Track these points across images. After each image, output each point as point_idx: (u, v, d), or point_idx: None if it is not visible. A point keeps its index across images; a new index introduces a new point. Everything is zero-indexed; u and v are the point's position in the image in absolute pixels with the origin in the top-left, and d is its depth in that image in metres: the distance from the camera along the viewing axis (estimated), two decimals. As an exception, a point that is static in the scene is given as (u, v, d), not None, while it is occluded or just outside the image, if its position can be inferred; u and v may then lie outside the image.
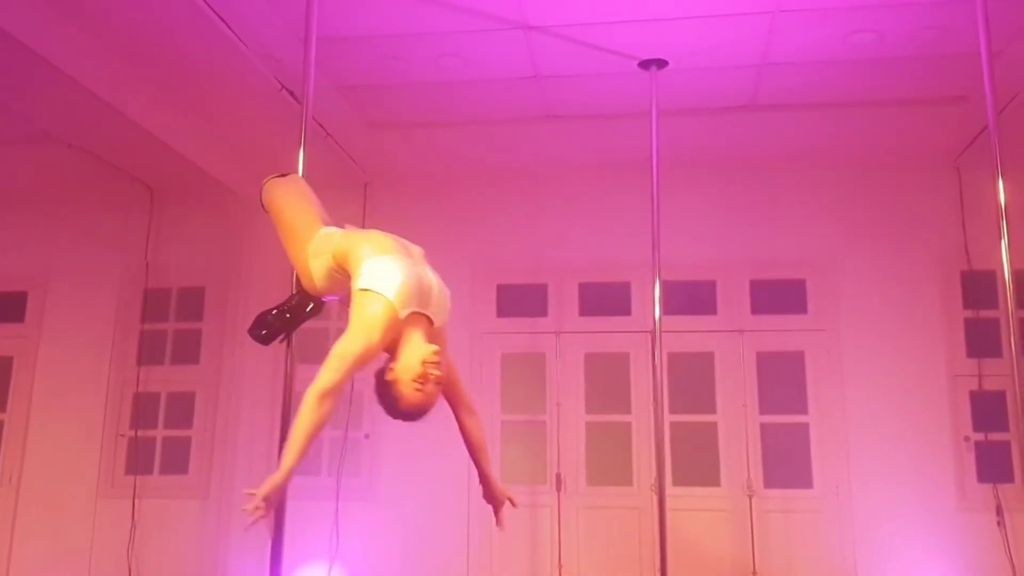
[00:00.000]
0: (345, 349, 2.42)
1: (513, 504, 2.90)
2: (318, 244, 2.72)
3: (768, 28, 4.57)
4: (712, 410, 6.16)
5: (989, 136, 3.83)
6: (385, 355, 2.53)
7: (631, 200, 5.83)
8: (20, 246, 6.98)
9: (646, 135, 4.94)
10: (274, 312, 3.08)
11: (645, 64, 4.91)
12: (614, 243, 6.30)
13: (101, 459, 6.57)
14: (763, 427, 6.08)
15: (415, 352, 2.45)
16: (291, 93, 4.98)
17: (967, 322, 6.03)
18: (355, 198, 6.44)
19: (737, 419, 6.09)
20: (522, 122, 5.81)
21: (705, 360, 6.23)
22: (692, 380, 6.18)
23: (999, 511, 5.70)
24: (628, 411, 6.22)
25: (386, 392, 2.47)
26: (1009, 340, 3.68)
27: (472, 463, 2.92)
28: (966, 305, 6.05)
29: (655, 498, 5.30)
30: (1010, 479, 5.72)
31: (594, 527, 6.08)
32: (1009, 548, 5.64)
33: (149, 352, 6.72)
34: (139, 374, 6.66)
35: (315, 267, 2.72)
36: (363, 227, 2.99)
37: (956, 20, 4.41)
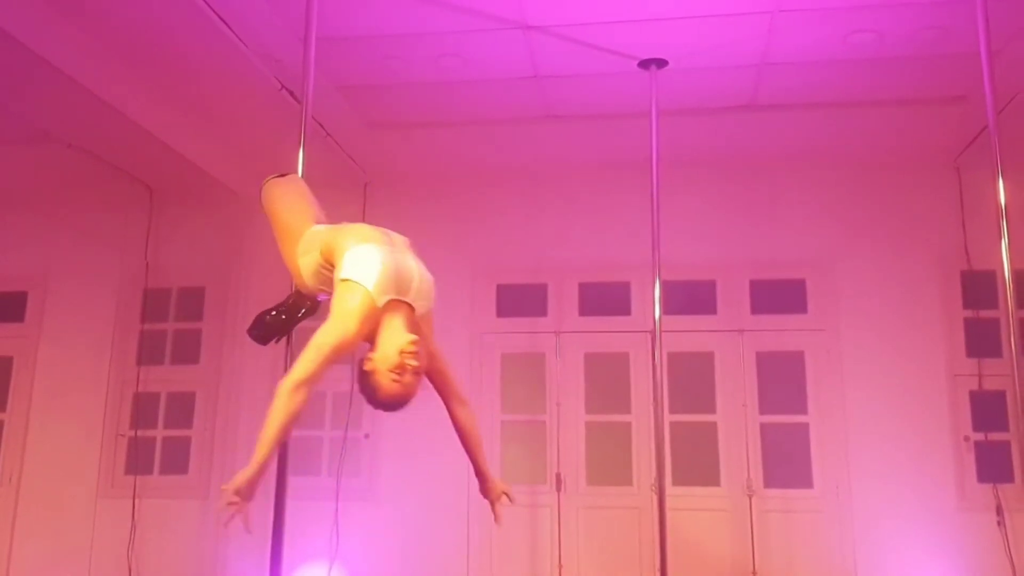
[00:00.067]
0: (321, 340, 2.39)
1: (510, 499, 2.87)
2: (307, 242, 2.71)
3: (768, 28, 4.57)
4: (712, 410, 6.16)
5: (989, 136, 3.83)
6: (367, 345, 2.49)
7: (631, 200, 5.83)
8: (20, 246, 6.98)
9: (646, 135, 4.94)
10: (272, 313, 3.08)
11: (645, 64, 4.91)
12: (614, 243, 6.30)
13: (101, 459, 6.57)
14: (763, 427, 6.08)
15: (393, 342, 2.39)
16: (291, 93, 4.98)
17: (967, 322, 6.04)
18: (355, 198, 6.44)
19: (737, 419, 6.09)
20: (522, 122, 5.81)
21: (705, 360, 6.23)
22: (692, 380, 6.18)
23: (999, 511, 5.70)
24: (628, 411, 6.22)
25: (365, 382, 2.43)
26: (1009, 340, 3.68)
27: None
28: (966, 305, 6.05)
29: (655, 498, 5.31)
30: (1010, 479, 5.72)
31: (594, 527, 6.08)
32: (1009, 548, 5.64)
33: (149, 352, 6.72)
34: (139, 374, 6.66)
35: (304, 265, 2.70)
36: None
37: (956, 20, 4.41)
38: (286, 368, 3.39)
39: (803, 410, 6.08)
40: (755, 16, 4.46)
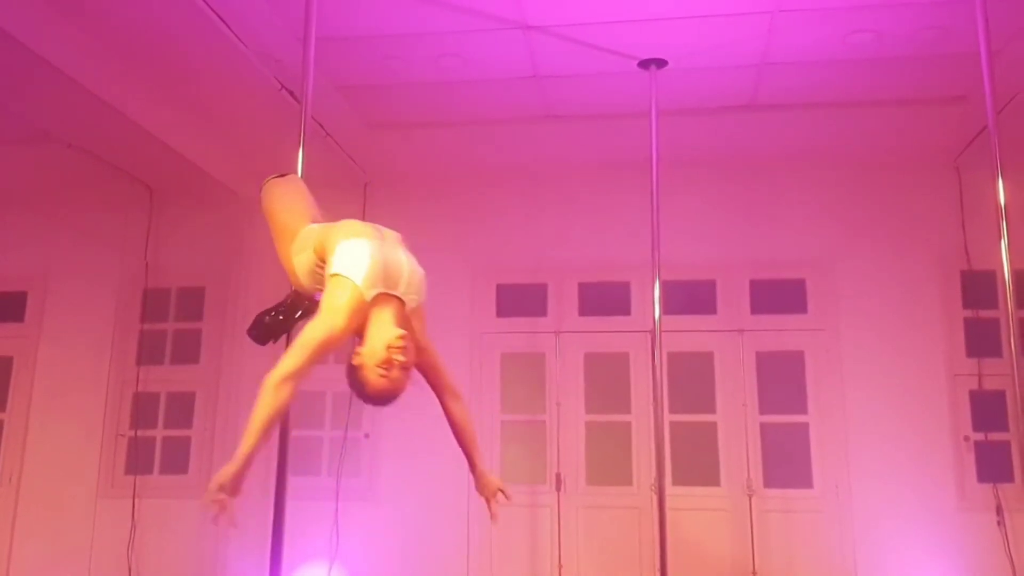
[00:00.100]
0: (308, 335, 2.39)
1: (506, 496, 2.81)
2: (301, 241, 2.70)
3: (768, 28, 4.57)
4: (712, 410, 6.16)
5: (989, 136, 3.83)
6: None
7: (631, 200, 5.83)
8: (20, 246, 6.98)
9: (646, 135, 4.94)
10: (271, 313, 3.08)
11: (645, 64, 4.91)
12: (614, 243, 6.30)
13: (101, 459, 6.57)
14: (763, 427, 6.08)
15: (380, 337, 2.37)
16: (291, 93, 4.98)
17: (967, 322, 6.04)
18: (355, 198, 6.43)
19: (737, 419, 6.10)
20: (522, 122, 5.81)
21: (705, 360, 6.23)
22: (692, 380, 6.18)
23: (999, 511, 5.70)
24: (628, 411, 6.22)
25: (353, 377, 2.41)
26: (1009, 340, 3.68)
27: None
28: (966, 305, 6.05)
29: (655, 498, 5.31)
30: (1010, 479, 5.72)
31: (594, 527, 6.08)
32: (1009, 548, 5.64)
33: (149, 352, 6.72)
34: (139, 374, 6.66)
35: (299, 264, 2.69)
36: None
37: (955, 20, 4.41)
38: (286, 368, 3.39)
39: (803, 410, 6.08)
40: (755, 16, 4.47)
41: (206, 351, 6.69)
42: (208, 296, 6.77)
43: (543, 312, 6.47)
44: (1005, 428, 5.67)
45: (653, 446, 5.39)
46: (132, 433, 6.58)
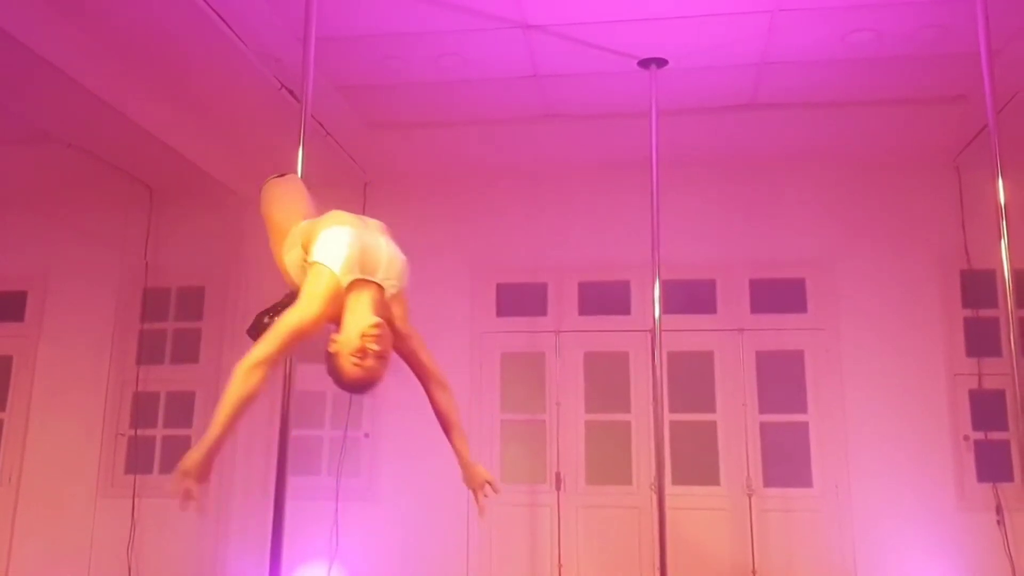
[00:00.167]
0: (283, 321, 2.37)
1: (494, 489, 2.72)
2: (292, 238, 2.68)
3: (767, 27, 4.57)
4: (712, 409, 6.16)
5: (989, 135, 3.83)
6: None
7: (631, 199, 5.83)
8: (20, 246, 6.98)
9: (646, 134, 4.94)
10: (270, 314, 3.08)
11: (645, 63, 4.91)
12: (614, 242, 6.30)
13: (101, 458, 6.57)
14: (763, 426, 6.08)
15: (356, 325, 2.35)
16: (291, 92, 4.98)
17: (967, 321, 6.04)
18: (355, 198, 6.43)
19: (737, 418, 6.10)
20: (522, 121, 5.81)
21: (705, 359, 6.23)
22: (692, 379, 6.18)
23: (999, 510, 5.70)
24: (628, 410, 6.22)
25: (330, 365, 2.39)
26: (1009, 339, 3.68)
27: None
28: (966, 304, 6.05)
29: (655, 497, 5.31)
30: (1010, 478, 5.73)
31: (594, 526, 6.08)
32: (1009, 547, 5.64)
33: (149, 351, 6.72)
34: (139, 373, 6.66)
35: (289, 262, 2.67)
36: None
37: (955, 19, 4.41)
38: (286, 366, 3.40)
39: (803, 409, 6.08)
40: (755, 15, 4.47)
41: (206, 351, 6.69)
42: (208, 296, 6.77)
43: (543, 312, 6.47)
44: (1005, 427, 5.67)
45: (653, 445, 5.39)
46: (132, 432, 6.59)
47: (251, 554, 5.92)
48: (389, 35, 4.70)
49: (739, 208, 6.32)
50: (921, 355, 5.99)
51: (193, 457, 2.31)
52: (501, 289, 6.54)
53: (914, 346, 6.01)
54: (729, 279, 6.30)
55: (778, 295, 6.24)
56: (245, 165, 6.12)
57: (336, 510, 6.23)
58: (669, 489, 5.19)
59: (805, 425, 6.06)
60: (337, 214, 2.66)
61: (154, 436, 6.60)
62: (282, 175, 3.08)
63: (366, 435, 6.39)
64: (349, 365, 2.33)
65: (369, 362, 2.32)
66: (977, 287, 5.96)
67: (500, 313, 6.50)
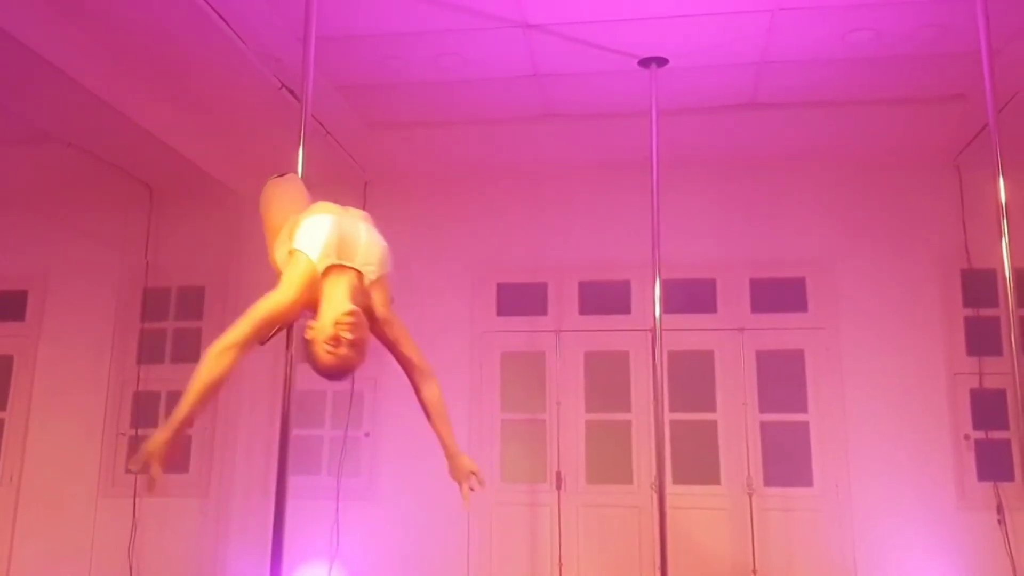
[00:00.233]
0: (257, 306, 2.37)
1: (479, 481, 2.68)
2: (283, 235, 2.68)
3: (767, 26, 4.57)
4: (712, 408, 6.16)
5: (989, 135, 3.83)
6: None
7: (631, 199, 5.84)
8: (20, 245, 6.98)
9: (646, 133, 4.94)
10: None
11: (645, 62, 4.91)
12: (614, 242, 6.30)
13: (101, 458, 6.58)
14: (763, 425, 6.08)
15: (330, 312, 2.34)
16: (291, 92, 4.98)
17: (967, 320, 6.03)
18: (355, 197, 6.42)
19: (737, 417, 6.10)
20: (522, 121, 5.81)
21: (705, 358, 6.23)
22: (692, 378, 6.18)
23: (999, 509, 5.70)
24: (628, 409, 6.22)
25: (307, 351, 2.38)
26: (1009, 338, 3.68)
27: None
28: (966, 303, 6.05)
29: (655, 496, 5.31)
30: (1010, 477, 5.72)
31: (594, 526, 6.08)
32: (1010, 547, 5.64)
33: (149, 351, 6.72)
34: (139, 373, 6.66)
35: (280, 258, 2.66)
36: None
37: (955, 18, 4.41)
38: (286, 367, 3.40)
39: (803, 408, 6.08)
40: (755, 14, 4.46)
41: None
42: (208, 295, 6.78)
43: (543, 311, 6.47)
44: (1005, 427, 5.67)
45: (653, 445, 5.39)
46: (132, 432, 6.58)
47: (252, 553, 5.92)
48: (389, 35, 4.71)
49: (739, 207, 6.32)
50: (922, 354, 5.99)
51: (157, 438, 2.31)
52: (501, 288, 6.54)
53: (914, 345, 6.00)
54: (729, 278, 6.30)
55: (778, 294, 6.24)
56: (245, 165, 6.12)
57: (337, 510, 6.23)
58: (669, 488, 5.20)
59: (805, 424, 6.06)
60: (320, 205, 2.66)
61: (154, 436, 6.59)
62: (282, 175, 3.08)
63: (366, 435, 6.39)
64: (323, 352, 2.32)
65: (342, 350, 2.31)
66: (978, 286, 5.96)
67: (500, 312, 6.50)
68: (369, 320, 2.46)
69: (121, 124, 5.19)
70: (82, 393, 6.67)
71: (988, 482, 5.77)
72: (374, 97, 5.48)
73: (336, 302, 2.36)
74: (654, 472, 5.63)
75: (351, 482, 6.31)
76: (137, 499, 6.37)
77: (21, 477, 6.62)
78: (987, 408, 5.84)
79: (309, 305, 2.42)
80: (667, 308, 5.03)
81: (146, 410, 6.61)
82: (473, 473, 2.66)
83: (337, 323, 2.31)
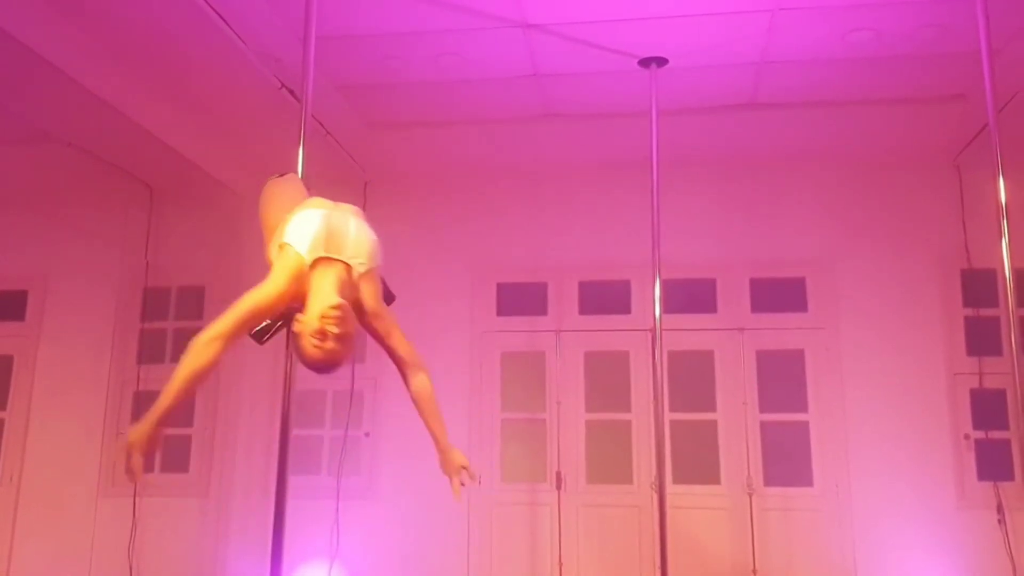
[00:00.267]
0: (244, 298, 2.37)
1: (470, 475, 2.61)
2: (277, 233, 2.69)
3: (767, 26, 4.57)
4: (712, 408, 6.16)
5: (989, 134, 3.83)
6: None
7: (631, 199, 5.84)
8: (20, 245, 6.98)
9: (646, 133, 4.94)
10: None
11: (645, 62, 4.91)
12: (614, 242, 6.30)
13: (101, 458, 6.57)
14: (763, 425, 6.08)
15: (317, 305, 2.32)
16: (291, 92, 4.98)
17: (967, 320, 6.03)
18: (355, 197, 6.38)
19: (737, 417, 6.10)
20: (522, 121, 5.81)
21: (705, 358, 6.23)
22: (692, 378, 6.18)
23: (999, 509, 5.70)
24: (628, 409, 6.22)
25: (294, 345, 2.37)
26: (1009, 338, 3.68)
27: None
28: (966, 303, 6.05)
29: (655, 496, 5.31)
30: (1010, 477, 5.72)
31: (594, 525, 6.08)
32: (1010, 546, 5.64)
33: (149, 351, 6.72)
34: (139, 373, 6.65)
35: (272, 255, 2.64)
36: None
37: (955, 18, 4.41)
38: (286, 366, 3.40)
39: (803, 408, 6.08)
40: (755, 14, 4.46)
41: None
42: (208, 295, 6.77)
43: (543, 311, 6.47)
44: (1005, 426, 5.67)
45: (653, 444, 5.39)
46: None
47: (252, 553, 5.92)
48: (389, 35, 4.70)
49: (739, 207, 6.32)
50: (922, 354, 5.99)
51: (140, 429, 2.30)
52: (501, 288, 6.54)
53: (914, 345, 6.01)
54: (729, 278, 6.30)
55: (778, 294, 6.24)
56: (245, 165, 6.12)
57: (337, 509, 6.23)
58: (669, 488, 5.20)
59: (805, 424, 6.06)
60: (312, 200, 2.66)
61: (155, 435, 6.59)
62: (283, 175, 3.08)
63: (366, 434, 6.40)
64: (310, 346, 2.31)
65: (329, 344, 2.29)
66: (978, 286, 5.96)
67: (500, 312, 6.50)
68: (358, 313, 2.45)
69: (121, 124, 5.19)
70: (82, 393, 6.67)
71: (988, 482, 5.78)
72: (374, 97, 5.48)
73: (323, 295, 2.34)
74: (654, 472, 5.64)
75: (351, 482, 6.31)
76: (137, 499, 6.37)
77: (21, 477, 6.62)
78: (987, 408, 5.84)
79: (297, 298, 2.40)
80: (667, 308, 5.03)
81: (146, 410, 6.58)
82: (463, 467, 2.61)
83: (323, 316, 2.29)
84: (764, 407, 6.11)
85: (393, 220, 6.04)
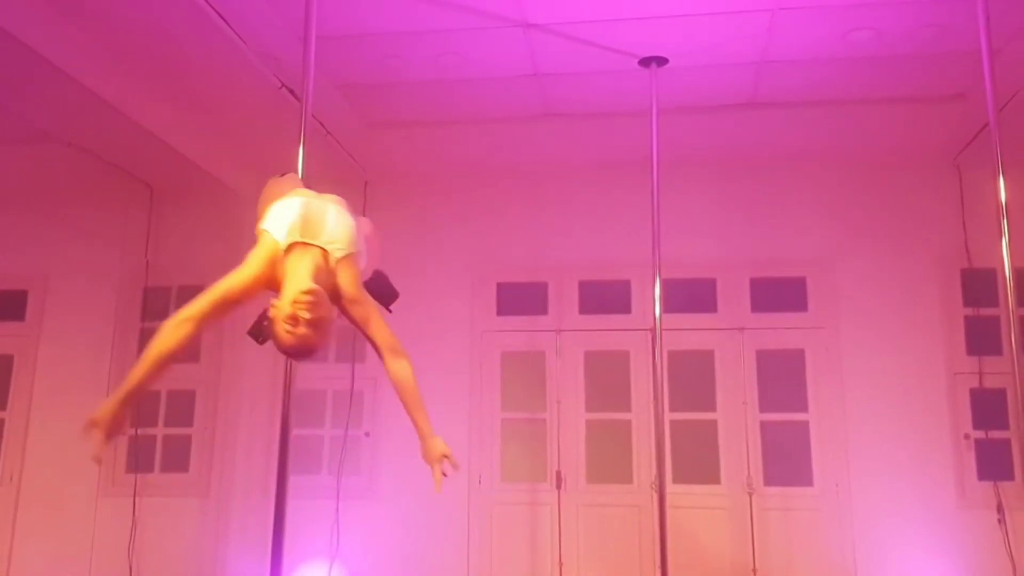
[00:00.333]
0: (218, 282, 2.39)
1: (453, 464, 2.54)
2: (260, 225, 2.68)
3: (768, 25, 4.57)
4: (712, 408, 6.16)
5: (989, 134, 3.83)
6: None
7: (631, 198, 5.84)
8: (20, 245, 6.98)
9: (646, 133, 4.95)
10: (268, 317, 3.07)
11: (645, 62, 4.91)
12: (614, 241, 6.30)
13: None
14: (763, 425, 6.08)
15: (289, 290, 2.31)
16: (291, 91, 4.98)
17: (967, 320, 6.03)
18: (355, 196, 6.41)
19: (737, 417, 6.10)
20: (522, 120, 5.81)
21: (705, 358, 6.23)
22: (692, 378, 6.18)
23: (1000, 509, 5.70)
24: (628, 409, 6.22)
25: (270, 331, 2.36)
26: (1010, 338, 3.68)
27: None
28: (966, 303, 6.05)
29: (655, 496, 5.31)
30: (1010, 477, 5.72)
31: (594, 525, 6.08)
32: (1010, 546, 5.64)
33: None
34: (139, 373, 6.64)
35: None
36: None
37: (956, 18, 4.41)
38: (286, 366, 3.41)
39: (803, 408, 6.08)
40: (755, 14, 4.46)
41: (206, 349, 6.69)
42: (208, 295, 6.77)
43: (543, 310, 6.47)
44: (1006, 426, 5.67)
45: (653, 444, 5.39)
46: (133, 431, 6.58)
47: (252, 553, 5.92)
48: (389, 34, 4.70)
49: (739, 207, 6.32)
50: (922, 354, 5.99)
51: (104, 408, 2.26)
52: (501, 288, 6.54)
53: (915, 345, 6.01)
54: (729, 278, 6.30)
55: (778, 294, 6.24)
56: (245, 164, 6.12)
57: (337, 509, 6.23)
58: (670, 488, 5.20)
59: (805, 424, 6.06)
60: (295, 191, 2.66)
61: (155, 435, 6.60)
62: (283, 175, 3.09)
63: (367, 434, 6.40)
64: (282, 332, 2.29)
65: (301, 329, 2.27)
66: (978, 286, 5.96)
67: (500, 312, 6.50)
68: (336, 299, 2.43)
69: (121, 124, 5.19)
70: (82, 393, 6.66)
71: (988, 481, 5.78)
72: (374, 97, 5.48)
73: (296, 280, 2.33)
74: (654, 471, 5.63)
75: (351, 481, 6.31)
76: (137, 499, 6.37)
77: (21, 477, 6.62)
78: (987, 407, 5.84)
79: (273, 284, 2.40)
80: (667, 308, 5.03)
81: (146, 409, 6.61)
82: (445, 456, 2.55)
83: (295, 301, 2.27)
84: (764, 407, 6.11)
85: (393, 220, 6.04)
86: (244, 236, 7.03)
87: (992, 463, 5.78)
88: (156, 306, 6.78)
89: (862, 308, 6.10)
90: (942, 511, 5.76)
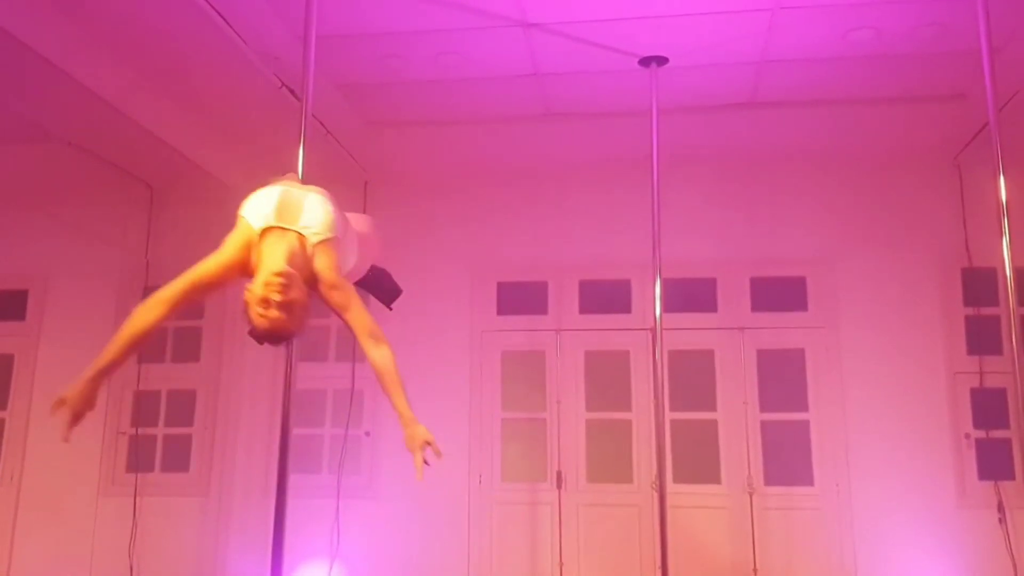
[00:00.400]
0: (194, 266, 2.41)
1: (435, 451, 2.43)
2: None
3: (768, 25, 4.57)
4: (712, 407, 6.16)
5: (989, 133, 3.83)
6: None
7: (631, 198, 5.83)
8: (20, 245, 6.98)
9: (646, 132, 4.94)
10: None
11: (645, 61, 4.91)
12: (614, 241, 6.30)
13: (102, 457, 6.58)
14: (763, 424, 6.08)
15: (261, 274, 2.32)
16: (291, 91, 4.97)
17: (968, 319, 6.03)
18: (355, 196, 6.43)
19: (737, 416, 6.09)
20: (522, 120, 5.81)
21: (705, 357, 6.23)
22: (692, 377, 6.18)
23: (1000, 508, 5.70)
24: (628, 408, 6.22)
25: (243, 315, 2.36)
26: (1010, 337, 3.68)
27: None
28: (967, 302, 6.05)
29: (655, 495, 5.31)
30: (1011, 476, 5.72)
31: (594, 525, 6.08)
32: (1010, 545, 5.64)
33: (149, 350, 6.69)
34: (139, 372, 6.65)
35: None
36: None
37: (956, 17, 4.41)
38: (287, 365, 3.41)
39: (803, 407, 6.08)
40: (755, 13, 4.47)
41: (207, 349, 6.69)
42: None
43: (543, 310, 6.46)
44: (1006, 425, 5.67)
45: (654, 444, 5.39)
46: (133, 431, 6.59)
47: (252, 552, 5.92)
48: (389, 34, 4.71)
49: (739, 206, 6.32)
50: (922, 353, 5.99)
51: (73, 386, 2.29)
52: (501, 287, 6.53)
53: (915, 344, 6.00)
54: (730, 277, 6.30)
55: (779, 293, 6.24)
56: (246, 164, 6.11)
57: (337, 508, 6.23)
58: (670, 487, 5.20)
59: (806, 423, 6.06)
60: (279, 180, 2.69)
61: (155, 435, 6.60)
62: (283, 175, 3.09)
63: (367, 433, 6.39)
64: (255, 315, 2.30)
65: (273, 312, 2.27)
66: (978, 285, 5.96)
67: (500, 311, 6.50)
68: (314, 284, 2.42)
69: (121, 123, 5.19)
70: (82, 392, 6.66)
71: (989, 481, 5.78)
72: (374, 96, 5.48)
73: (270, 263, 2.34)
74: (654, 471, 5.64)
75: (351, 481, 6.31)
76: (137, 499, 6.37)
77: (21, 477, 6.61)
78: (987, 407, 5.84)
79: (249, 270, 2.40)
80: (667, 307, 5.03)
81: (147, 409, 6.61)
82: (427, 443, 2.44)
83: (266, 284, 2.28)
84: (764, 406, 6.11)
85: (393, 220, 6.04)
86: (244, 236, 6.98)
87: (993, 463, 5.77)
88: (156, 305, 6.78)
89: (862, 308, 6.10)
90: (942, 511, 5.76)
